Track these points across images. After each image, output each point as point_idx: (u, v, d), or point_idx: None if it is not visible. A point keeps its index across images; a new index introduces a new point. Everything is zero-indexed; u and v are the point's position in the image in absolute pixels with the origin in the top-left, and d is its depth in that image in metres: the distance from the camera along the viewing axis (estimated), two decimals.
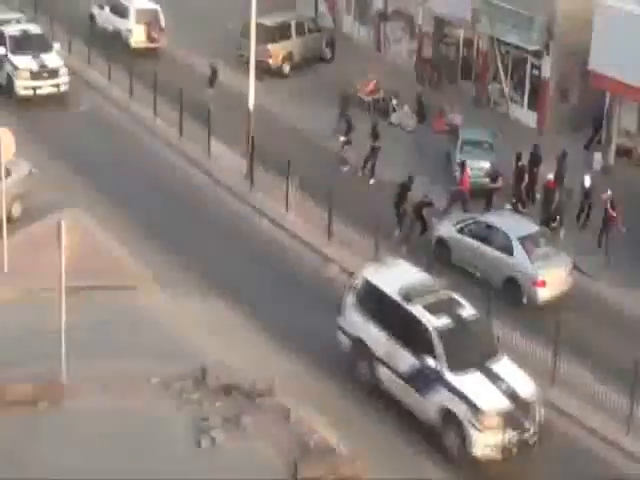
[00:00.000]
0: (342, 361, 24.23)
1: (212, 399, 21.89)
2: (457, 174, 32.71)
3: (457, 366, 21.89)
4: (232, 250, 29.32)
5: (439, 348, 21.98)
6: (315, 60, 43.46)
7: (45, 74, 37.81)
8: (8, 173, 27.33)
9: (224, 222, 30.93)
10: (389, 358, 22.92)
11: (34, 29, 39.50)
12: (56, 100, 37.76)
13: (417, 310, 22.70)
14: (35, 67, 37.74)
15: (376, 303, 23.54)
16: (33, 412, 20.90)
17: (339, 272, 28.61)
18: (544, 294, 27.51)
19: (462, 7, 38.83)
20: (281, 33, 42.38)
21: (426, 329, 22.29)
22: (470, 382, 21.73)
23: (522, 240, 28.14)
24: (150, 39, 43.13)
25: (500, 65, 39.13)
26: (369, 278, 23.95)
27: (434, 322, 22.38)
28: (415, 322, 22.55)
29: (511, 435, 21.22)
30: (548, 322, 25.20)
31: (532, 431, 21.57)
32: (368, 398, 23.27)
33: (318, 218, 30.42)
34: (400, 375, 22.65)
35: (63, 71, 38.14)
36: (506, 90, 39.15)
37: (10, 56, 37.97)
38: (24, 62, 37.77)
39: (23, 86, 37.59)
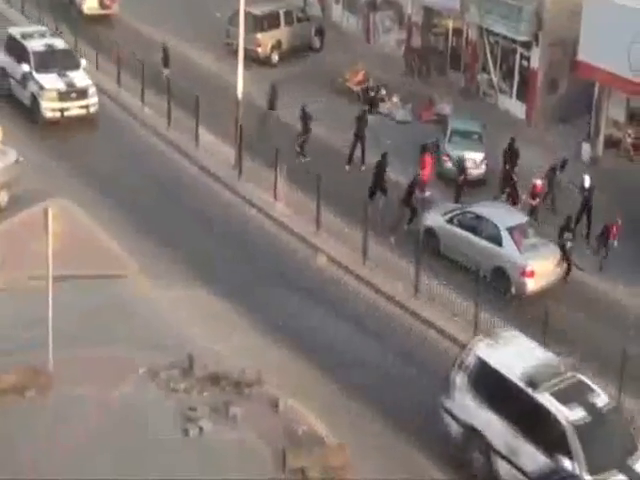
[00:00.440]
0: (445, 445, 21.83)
1: (200, 389, 21.83)
2: (449, 165, 32.84)
3: (597, 468, 19.05)
4: (220, 240, 29.23)
5: (576, 447, 19.06)
6: (304, 49, 43.38)
7: (73, 94, 35.00)
8: None
9: (212, 212, 30.84)
10: (511, 453, 20.05)
11: (59, 44, 36.75)
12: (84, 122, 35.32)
13: (546, 399, 19.76)
14: (63, 87, 34.92)
15: (493, 388, 20.63)
16: (20, 401, 20.82)
17: (327, 262, 28.60)
18: (532, 285, 27.53)
19: None
20: (270, 22, 42.30)
21: (559, 423, 19.38)
22: None
23: (511, 230, 28.16)
24: (102, 6, 44.32)
25: (489, 55, 39.10)
26: (484, 357, 21.00)
27: (568, 415, 19.46)
28: (545, 414, 19.63)
29: None
30: (536, 312, 25.20)
31: None
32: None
33: (307, 208, 30.36)
34: (526, 474, 19.83)
35: (92, 91, 35.42)
36: (495, 81, 39.13)
37: (34, 74, 35.10)
38: (50, 81, 34.92)
39: (50, 108, 34.72)
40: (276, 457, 19.94)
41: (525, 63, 37.91)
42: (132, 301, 25.23)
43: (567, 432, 19.23)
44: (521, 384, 20.07)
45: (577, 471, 19.00)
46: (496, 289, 27.18)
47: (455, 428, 21.28)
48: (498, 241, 28.06)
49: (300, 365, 23.82)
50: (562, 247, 28.38)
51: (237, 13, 34.15)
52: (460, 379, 21.21)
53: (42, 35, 37.06)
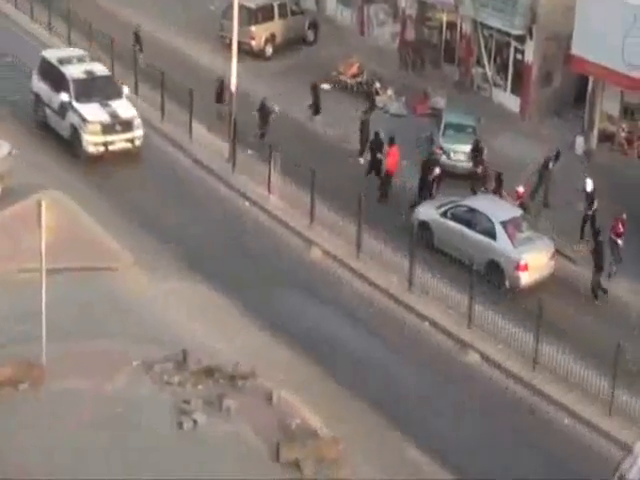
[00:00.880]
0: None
1: (194, 382, 21.82)
2: (442, 157, 32.86)
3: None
4: (213, 233, 29.21)
5: None
6: (298, 42, 43.28)
7: (118, 127, 32.33)
8: None
9: (206, 204, 30.80)
10: None
11: (100, 70, 33.68)
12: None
13: None
14: (107, 118, 32.22)
15: None
16: (14, 394, 20.78)
17: (321, 255, 28.60)
18: (526, 278, 27.55)
19: None
20: (264, 15, 42.17)
21: None
22: None
23: (505, 224, 28.16)
24: None
25: (483, 49, 39.07)
26: None
27: None
28: None
29: None
30: (530, 306, 25.22)
31: None
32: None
33: (301, 201, 30.33)
34: None
35: (137, 122, 32.61)
36: (489, 74, 39.11)
37: (75, 104, 32.25)
38: (93, 112, 32.10)
39: (93, 142, 32.00)
40: (270, 449, 19.97)
41: (519, 57, 37.85)
42: (126, 294, 25.20)
43: None
44: None
45: None
46: (490, 282, 27.17)
47: None
48: (492, 235, 28.05)
49: (296, 358, 23.81)
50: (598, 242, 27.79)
51: (231, 6, 34.06)
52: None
53: (81, 60, 34.02)
